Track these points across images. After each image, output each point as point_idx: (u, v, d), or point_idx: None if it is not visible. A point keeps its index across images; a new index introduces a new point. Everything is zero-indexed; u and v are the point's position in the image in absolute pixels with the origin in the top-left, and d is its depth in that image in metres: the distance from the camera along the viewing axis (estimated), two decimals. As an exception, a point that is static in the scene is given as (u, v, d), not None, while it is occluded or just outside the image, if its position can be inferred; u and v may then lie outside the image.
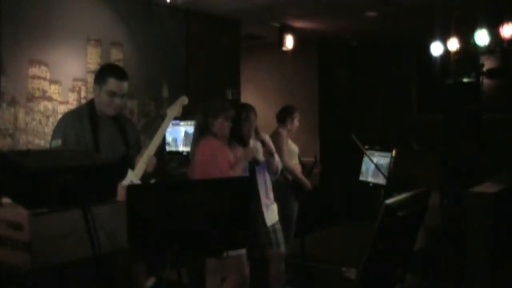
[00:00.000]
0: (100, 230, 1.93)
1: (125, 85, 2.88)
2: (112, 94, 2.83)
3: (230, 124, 3.50)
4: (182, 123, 5.00)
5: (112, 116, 2.94)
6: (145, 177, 2.93)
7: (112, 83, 2.83)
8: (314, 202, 5.49)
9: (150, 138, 3.02)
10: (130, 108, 5.25)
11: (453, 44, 5.65)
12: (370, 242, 1.70)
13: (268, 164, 3.77)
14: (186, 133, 4.94)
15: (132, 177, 2.83)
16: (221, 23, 6.30)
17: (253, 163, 3.71)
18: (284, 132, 4.81)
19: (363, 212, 7.73)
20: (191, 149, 3.58)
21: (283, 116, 4.87)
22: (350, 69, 8.51)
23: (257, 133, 3.83)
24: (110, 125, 2.94)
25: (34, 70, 4.45)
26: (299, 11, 6.01)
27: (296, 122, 4.90)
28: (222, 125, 3.46)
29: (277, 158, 3.83)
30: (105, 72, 2.90)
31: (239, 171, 3.40)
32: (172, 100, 3.24)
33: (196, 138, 3.52)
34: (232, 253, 3.25)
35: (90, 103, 2.97)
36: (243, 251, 3.39)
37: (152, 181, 2.98)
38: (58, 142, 2.79)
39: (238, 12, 6.02)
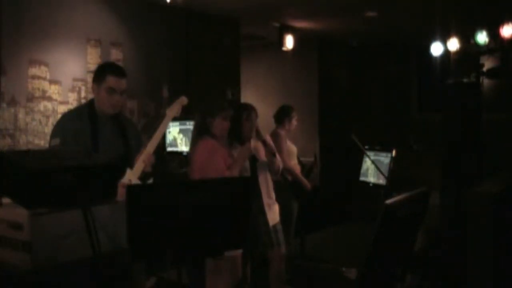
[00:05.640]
0: (100, 230, 1.93)
1: (123, 81, 2.88)
2: (111, 91, 2.84)
3: (229, 124, 3.51)
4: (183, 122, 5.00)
5: (112, 116, 2.94)
6: (144, 176, 2.93)
7: (111, 80, 2.84)
8: (314, 202, 5.49)
9: (150, 138, 3.02)
10: (130, 108, 5.25)
11: (453, 44, 5.65)
12: (370, 242, 1.69)
13: (270, 164, 3.77)
14: (186, 133, 4.94)
15: (131, 176, 2.83)
16: (221, 23, 6.30)
17: (254, 161, 3.71)
18: (282, 133, 4.81)
19: (363, 212, 7.76)
20: (190, 149, 3.58)
21: (281, 116, 4.87)
22: (350, 69, 8.51)
23: (258, 133, 3.84)
24: (109, 125, 2.94)
25: (34, 70, 4.45)
26: (299, 11, 6.01)
27: (294, 122, 4.89)
28: (220, 125, 3.46)
29: (278, 157, 3.84)
30: (103, 70, 2.90)
31: (237, 171, 3.40)
32: (172, 100, 3.24)
33: (195, 139, 3.52)
34: (228, 254, 3.26)
35: (90, 103, 2.97)
36: (239, 252, 3.40)
37: (150, 180, 2.98)
38: (56, 141, 2.79)
39: (238, 12, 6.02)
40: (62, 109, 4.54)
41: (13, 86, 4.31)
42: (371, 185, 4.59)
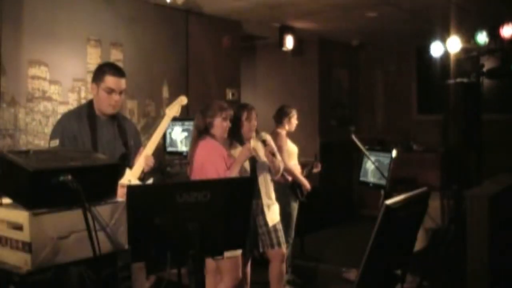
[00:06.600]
0: (100, 230, 1.93)
1: (122, 81, 2.89)
2: (110, 91, 2.84)
3: (228, 124, 3.51)
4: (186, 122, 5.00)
5: (111, 116, 2.94)
6: (143, 176, 2.94)
7: (110, 80, 2.84)
8: (314, 202, 5.49)
9: (150, 138, 3.02)
10: (130, 108, 5.25)
11: (453, 44, 5.64)
12: (370, 242, 1.70)
13: (270, 164, 3.77)
14: (186, 133, 4.94)
15: (130, 176, 2.84)
16: (221, 23, 6.30)
17: (254, 161, 3.72)
18: (282, 133, 4.81)
19: (363, 212, 7.76)
20: (190, 149, 3.59)
21: (280, 116, 4.86)
22: (350, 69, 8.51)
23: (258, 133, 3.84)
24: (108, 125, 2.94)
25: (34, 70, 4.45)
26: (299, 11, 6.01)
27: (294, 121, 4.88)
28: (220, 125, 3.47)
29: (279, 157, 3.85)
30: (102, 70, 2.90)
31: (236, 171, 3.40)
32: (172, 100, 3.24)
33: (195, 139, 3.53)
34: (228, 254, 3.26)
35: (89, 104, 2.97)
36: (238, 252, 3.40)
37: (150, 180, 2.98)
38: (56, 142, 2.79)
39: (238, 12, 6.02)
40: (62, 109, 4.54)
41: (13, 86, 4.31)
42: (371, 185, 4.58)
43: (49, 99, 4.56)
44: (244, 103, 4.35)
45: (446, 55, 6.00)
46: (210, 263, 3.55)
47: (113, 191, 2.05)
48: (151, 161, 2.93)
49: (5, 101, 4.26)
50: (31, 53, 4.42)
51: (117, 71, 2.90)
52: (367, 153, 4.44)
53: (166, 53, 5.64)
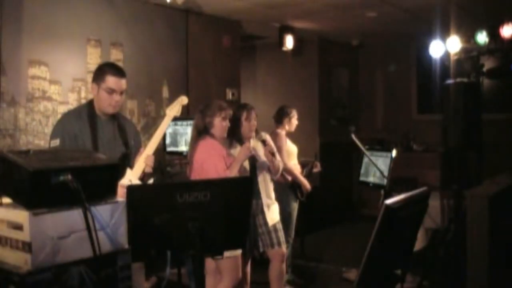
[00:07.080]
0: (100, 230, 1.93)
1: (123, 82, 2.89)
2: (111, 91, 2.84)
3: (228, 124, 3.52)
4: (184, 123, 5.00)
5: (111, 116, 2.94)
6: (144, 176, 2.94)
7: (110, 81, 2.84)
8: (314, 202, 5.48)
9: (150, 138, 3.02)
10: (130, 108, 5.25)
11: (453, 44, 5.64)
12: (370, 242, 1.70)
13: (270, 164, 3.78)
14: (186, 133, 4.94)
15: (131, 176, 2.84)
16: (221, 23, 6.30)
17: (254, 161, 3.72)
18: (282, 133, 4.81)
19: (363, 212, 7.76)
20: (189, 149, 3.59)
21: (280, 116, 4.86)
22: (350, 69, 8.51)
23: (257, 133, 3.85)
24: (109, 125, 2.95)
25: (34, 70, 4.45)
26: (299, 11, 6.01)
27: (294, 122, 4.88)
28: (220, 125, 3.47)
29: (278, 157, 3.85)
30: (103, 70, 2.90)
31: (236, 171, 3.41)
32: (172, 100, 3.25)
33: (194, 138, 3.53)
34: (228, 254, 3.26)
35: (90, 103, 2.97)
36: (238, 252, 3.40)
37: (151, 180, 2.98)
38: (56, 142, 2.79)
39: (238, 12, 6.02)
40: (62, 109, 4.54)
41: (13, 86, 4.31)
42: (371, 185, 4.58)
43: (49, 99, 4.56)
44: (243, 103, 4.35)
45: (446, 55, 6.00)
46: (210, 263, 3.55)
47: (113, 191, 2.05)
48: (152, 161, 2.93)
49: (5, 101, 4.27)
50: (31, 53, 4.42)
51: (118, 71, 2.90)
52: (367, 153, 4.43)
53: (166, 53, 5.64)
